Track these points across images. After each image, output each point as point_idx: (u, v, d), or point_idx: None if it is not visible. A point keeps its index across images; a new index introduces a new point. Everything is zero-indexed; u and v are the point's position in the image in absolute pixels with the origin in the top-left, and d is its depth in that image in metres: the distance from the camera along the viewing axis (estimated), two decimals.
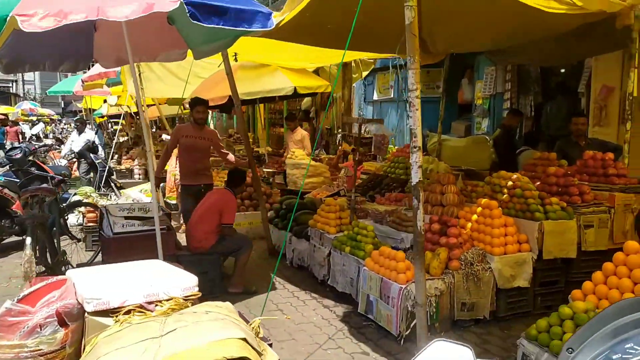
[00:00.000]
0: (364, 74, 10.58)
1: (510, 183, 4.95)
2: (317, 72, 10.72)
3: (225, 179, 5.80)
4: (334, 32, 4.91)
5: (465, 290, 4.24)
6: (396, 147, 9.24)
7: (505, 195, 4.85)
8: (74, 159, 11.70)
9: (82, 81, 9.96)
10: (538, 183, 5.08)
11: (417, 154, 3.50)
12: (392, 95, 11.60)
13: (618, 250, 5.00)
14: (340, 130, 11.83)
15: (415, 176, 3.48)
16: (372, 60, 10.43)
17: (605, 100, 7.85)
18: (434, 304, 4.04)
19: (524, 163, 6.26)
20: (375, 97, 12.31)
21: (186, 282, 2.55)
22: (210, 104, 8.79)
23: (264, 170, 8.87)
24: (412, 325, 3.93)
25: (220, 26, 3.29)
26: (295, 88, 8.58)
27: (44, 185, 6.43)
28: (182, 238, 5.91)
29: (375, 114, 12.37)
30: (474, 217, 4.75)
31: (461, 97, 10.62)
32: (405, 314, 3.98)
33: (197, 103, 5.94)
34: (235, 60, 7.58)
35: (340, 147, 9.94)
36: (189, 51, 4.81)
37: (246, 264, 5.36)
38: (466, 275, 4.24)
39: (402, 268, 4.10)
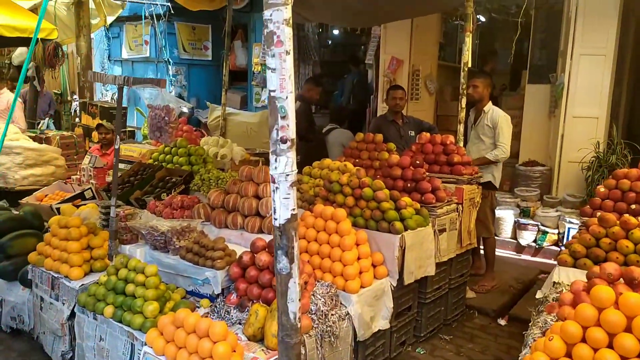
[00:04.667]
0: (109, 19, 7.84)
1: (345, 177, 3.54)
2: (35, 12, 7.45)
3: None
4: None
5: (319, 358, 2.67)
6: None
7: (348, 198, 3.41)
8: None
9: None
10: (379, 177, 3.84)
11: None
12: (147, 54, 9.10)
13: (465, 254, 4.24)
14: (76, 96, 8.77)
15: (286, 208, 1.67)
16: (119, 3, 7.77)
17: (394, 74, 7.33)
18: None
19: (336, 145, 5.04)
20: (125, 54, 9.56)
21: None
22: None
23: None
24: None
25: None
26: None
27: None
28: None
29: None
30: (311, 233, 3.20)
31: (233, 63, 8.94)
32: None
33: None
34: None
35: (78, 122, 7.11)
36: None
37: None
38: (320, 336, 2.66)
39: (224, 349, 2.24)
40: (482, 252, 4.64)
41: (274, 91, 1.47)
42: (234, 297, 2.86)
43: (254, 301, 2.79)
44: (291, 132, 1.48)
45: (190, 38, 9.10)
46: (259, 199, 3.42)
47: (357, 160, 4.41)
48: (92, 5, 7.43)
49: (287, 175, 1.49)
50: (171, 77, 8.92)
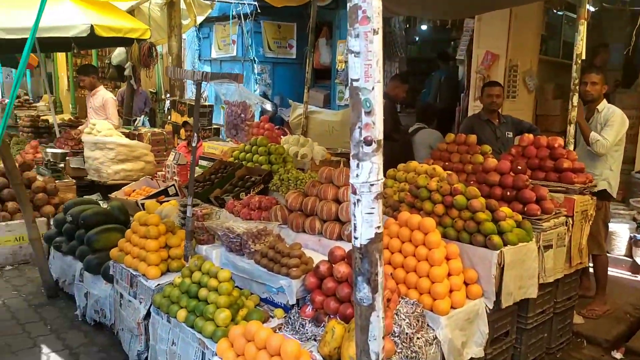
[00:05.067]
0: (199, 19, 8.02)
1: (434, 182, 3.19)
2: (132, 14, 7.82)
3: None
4: None
5: None
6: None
7: (437, 205, 3.07)
8: None
9: None
10: (473, 183, 3.45)
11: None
12: (234, 53, 9.24)
13: (574, 275, 3.73)
14: (168, 94, 9.11)
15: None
16: (208, 3, 7.92)
17: (488, 70, 6.77)
18: None
19: (423, 146, 4.67)
20: (213, 54, 9.79)
21: None
22: None
23: (47, 151, 5.86)
24: None
25: None
26: (92, 27, 5.70)
27: None
28: None
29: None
30: (395, 243, 2.90)
31: (317, 61, 8.80)
32: None
33: None
34: None
35: (168, 119, 7.34)
36: None
37: None
38: None
39: None
40: (591, 270, 4.06)
41: (357, 80, 1.19)
42: (309, 310, 2.65)
43: (331, 316, 2.55)
44: (377, 132, 1.20)
45: (275, 36, 9.11)
46: (339, 203, 3.19)
47: (446, 164, 4.03)
48: (183, 5, 7.63)
49: (372, 185, 1.21)
50: (256, 76, 8.98)
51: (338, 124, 5.75)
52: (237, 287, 2.86)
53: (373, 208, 1.22)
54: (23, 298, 4.06)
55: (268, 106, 8.09)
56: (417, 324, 2.50)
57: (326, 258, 2.82)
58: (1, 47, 7.25)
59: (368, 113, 1.18)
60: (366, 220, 1.23)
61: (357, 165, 1.23)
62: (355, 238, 1.29)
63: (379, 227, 1.26)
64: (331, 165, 4.73)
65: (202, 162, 5.17)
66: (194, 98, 9.63)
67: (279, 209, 3.45)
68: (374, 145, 1.20)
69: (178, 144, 6.58)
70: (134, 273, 3.10)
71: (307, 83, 5.73)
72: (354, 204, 1.26)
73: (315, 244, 3.19)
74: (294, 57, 9.38)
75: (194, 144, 2.89)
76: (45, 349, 3.27)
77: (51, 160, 5.82)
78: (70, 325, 3.62)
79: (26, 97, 12.64)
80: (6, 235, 4.70)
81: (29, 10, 5.63)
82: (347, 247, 2.85)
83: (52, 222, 4.30)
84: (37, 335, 3.44)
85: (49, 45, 7.73)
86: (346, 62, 8.31)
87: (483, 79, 6.59)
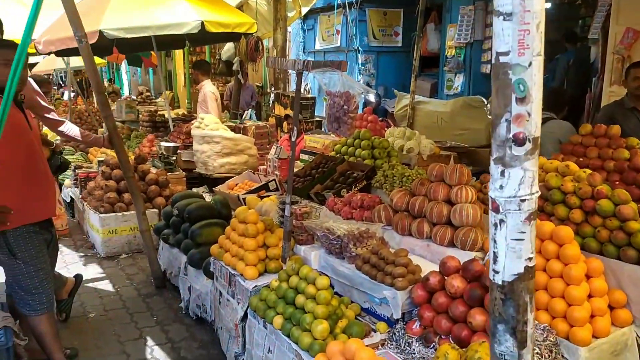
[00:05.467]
0: (304, 10, 7.94)
1: (570, 183, 2.67)
2: (241, 9, 7.96)
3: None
4: None
5: None
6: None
7: (574, 211, 2.57)
8: None
9: None
10: (618, 183, 2.86)
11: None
12: (338, 44, 9.05)
13: None
14: (273, 87, 9.20)
15: None
16: None
17: (629, 49, 5.81)
18: None
19: (551, 139, 4.06)
20: (317, 45, 9.70)
21: None
22: (62, 46, 5.91)
23: (161, 144, 6.14)
24: None
25: None
26: (203, 23, 5.82)
27: None
28: None
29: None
30: None
31: (424, 48, 8.28)
32: None
33: None
34: None
35: (272, 113, 7.36)
36: None
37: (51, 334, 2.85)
38: None
39: None
40: None
41: (505, 54, 0.83)
42: (416, 327, 2.34)
43: (442, 336, 2.22)
44: (534, 126, 0.84)
45: (380, 24, 8.75)
46: (451, 204, 2.82)
47: (581, 160, 3.42)
48: None
49: (523, 200, 0.86)
50: (360, 66, 8.72)
51: (447, 115, 5.29)
52: (336, 293, 2.64)
53: (523, 232, 0.88)
54: (134, 287, 4.23)
55: (371, 97, 7.79)
56: (549, 355, 2.08)
57: (436, 267, 2.48)
58: (123, 46, 7.78)
59: (521, 100, 0.82)
60: (512, 249, 0.89)
61: (502, 173, 0.88)
62: (495, 272, 0.94)
63: (530, 259, 0.91)
64: (440, 161, 4.33)
65: (303, 156, 5.03)
66: None
67: (382, 209, 3.16)
68: (529, 146, 0.84)
69: (281, 137, 6.56)
70: (232, 272, 3.02)
71: (415, 71, 5.34)
72: (495, 225, 0.91)
73: (423, 250, 2.85)
74: (399, 45, 8.95)
75: (293, 139, 2.70)
76: (149, 341, 3.33)
77: (164, 153, 6.08)
78: (174, 318, 3.67)
79: (147, 94, 13.63)
80: (122, 225, 4.97)
81: (146, 10, 5.92)
82: (460, 255, 2.49)
83: (161, 214, 4.44)
84: (143, 327, 3.53)
85: (165, 44, 8.15)
86: (456, 47, 7.73)
87: (622, 60, 5.67)
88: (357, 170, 4.08)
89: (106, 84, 19.18)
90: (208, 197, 5.43)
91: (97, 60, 14.50)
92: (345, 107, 2.52)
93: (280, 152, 4.57)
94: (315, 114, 7.50)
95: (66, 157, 6.40)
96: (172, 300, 3.96)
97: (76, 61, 12.90)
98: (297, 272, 2.58)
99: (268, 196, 4.16)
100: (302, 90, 7.47)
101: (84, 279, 3.78)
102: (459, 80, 7.80)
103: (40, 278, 2.75)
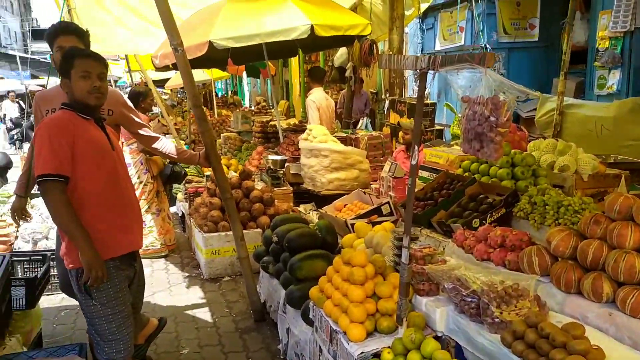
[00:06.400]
0: (423, 7, 7.18)
1: None
2: (355, 12, 7.44)
3: None
4: None
5: None
6: None
7: None
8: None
9: None
10: None
11: None
12: (462, 42, 8.10)
13: None
14: (387, 94, 8.54)
15: None
16: None
17: None
18: None
19: None
20: (437, 46, 8.83)
21: None
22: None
23: (268, 158, 5.81)
24: None
25: None
26: (312, 27, 5.37)
27: None
28: None
29: (438, 75, 8.89)
30: None
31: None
32: None
33: (60, 32, 2.88)
34: None
35: (386, 121, 6.72)
36: None
37: None
38: None
39: None
40: None
41: None
42: None
43: None
44: None
45: (513, 16, 7.63)
46: None
47: None
48: None
49: None
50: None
51: (610, 121, 4.18)
52: None
53: None
54: (232, 318, 3.85)
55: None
56: None
57: (625, 349, 1.64)
58: (237, 57, 7.70)
59: None
60: None
61: None
62: None
63: None
64: (606, 182, 3.33)
65: (422, 173, 4.30)
66: (414, 96, 8.87)
67: (535, 253, 2.34)
68: None
69: (396, 148, 5.88)
70: (334, 327, 2.42)
71: (564, 67, 4.31)
72: None
73: (602, 319, 2.00)
74: (536, 39, 7.73)
75: (413, 162, 2.02)
76: None
77: (271, 167, 5.74)
78: (267, 358, 3.19)
79: (264, 104, 13.76)
80: (225, 245, 4.67)
81: (255, 18, 5.64)
82: None
83: (261, 239, 4.03)
84: None
85: (276, 53, 7.93)
86: (610, 38, 6.38)
87: None
88: (492, 194, 3.27)
89: (229, 95, 20.09)
90: (315, 216, 4.95)
91: (219, 73, 15.14)
92: (492, 118, 1.78)
93: (395, 170, 3.89)
94: (436, 122, 6.69)
95: (180, 169, 6.41)
96: (271, 340, 3.49)
97: (199, 74, 13.50)
98: (418, 346, 1.89)
99: (380, 222, 3.51)
100: (425, 93, 6.64)
101: (185, 303, 3.44)
102: (614, 78, 6.42)
103: (118, 323, 2.40)
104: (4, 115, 13.55)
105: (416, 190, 3.83)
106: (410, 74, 9.40)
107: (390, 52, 6.70)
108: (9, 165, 7.97)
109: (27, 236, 4.46)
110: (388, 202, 3.76)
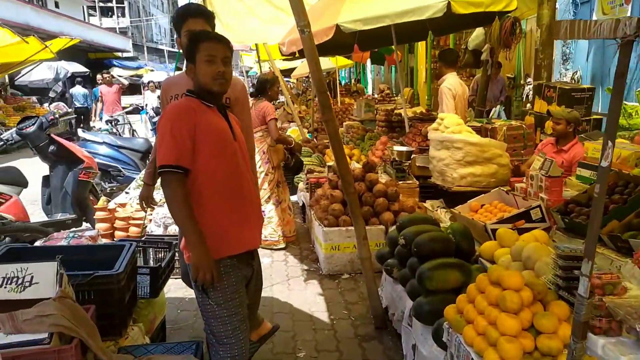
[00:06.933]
0: None
1: None
2: None
3: None
4: None
5: None
6: None
7: None
8: None
9: None
10: None
11: None
12: (628, 15, 6.83)
13: None
14: (530, 79, 7.57)
15: None
16: None
17: None
18: None
19: None
20: None
21: None
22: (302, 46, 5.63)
23: (393, 149, 5.40)
24: None
25: None
26: (449, 4, 4.82)
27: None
28: None
29: (593, 53, 7.67)
30: None
31: None
32: None
33: (189, 15, 2.75)
34: None
35: (529, 109, 5.91)
36: None
37: None
38: None
39: None
40: None
41: None
42: None
43: None
44: None
45: None
46: None
47: None
48: None
49: None
50: None
51: None
52: None
53: None
54: (351, 322, 3.56)
55: None
56: None
57: None
58: (364, 42, 7.35)
59: None
60: None
61: None
62: None
63: None
64: None
65: (581, 172, 3.57)
66: (564, 81, 7.75)
67: None
68: None
69: (541, 141, 5.10)
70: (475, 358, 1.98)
71: None
72: None
73: None
74: None
75: (604, 163, 1.49)
76: None
77: (396, 159, 5.34)
78: None
79: (387, 92, 13.30)
80: (346, 241, 4.39)
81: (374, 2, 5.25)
82: None
83: (385, 238, 3.68)
84: None
85: (405, 37, 7.45)
86: None
87: None
88: None
89: (353, 82, 19.93)
90: (443, 214, 4.46)
91: (344, 61, 15.01)
92: None
93: (550, 168, 3.25)
94: (592, 110, 5.71)
95: (302, 158, 6.30)
96: (393, 352, 3.14)
97: (324, 62, 13.48)
98: None
99: (529, 229, 2.95)
100: (572, 80, 5.73)
101: (303, 299, 3.24)
102: None
103: (234, 325, 2.22)
104: (146, 104, 14.87)
105: (577, 193, 3.18)
106: (559, 54, 8.26)
107: (540, 30, 5.85)
108: (149, 150, 8.61)
109: (158, 220, 4.64)
110: (539, 206, 3.15)
